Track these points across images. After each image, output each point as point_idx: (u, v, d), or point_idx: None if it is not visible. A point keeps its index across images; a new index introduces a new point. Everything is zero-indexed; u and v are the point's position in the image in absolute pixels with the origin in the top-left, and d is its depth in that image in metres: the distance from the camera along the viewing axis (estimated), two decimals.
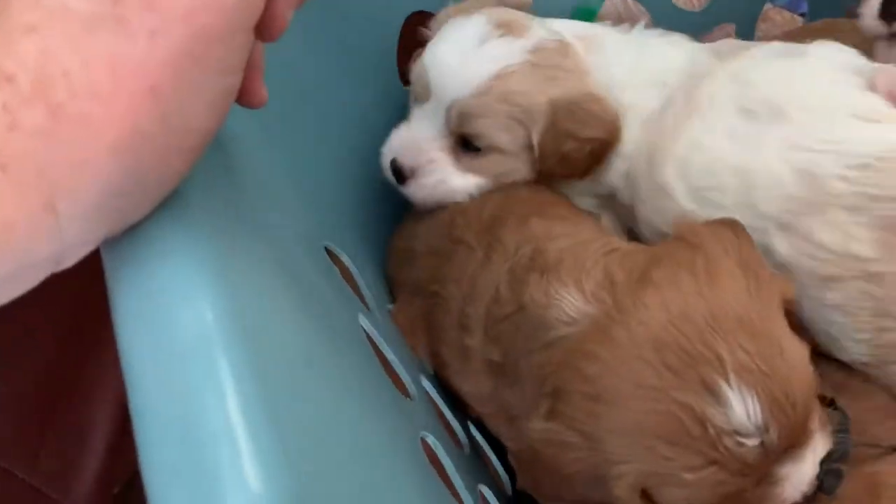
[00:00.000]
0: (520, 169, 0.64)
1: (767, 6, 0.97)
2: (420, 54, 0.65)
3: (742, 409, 0.40)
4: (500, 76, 0.61)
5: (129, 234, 0.35)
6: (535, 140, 0.61)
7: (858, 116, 0.51)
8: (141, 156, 0.32)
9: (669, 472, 0.41)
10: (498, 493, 0.64)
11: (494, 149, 0.62)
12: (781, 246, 0.52)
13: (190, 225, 0.35)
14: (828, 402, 0.50)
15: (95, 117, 0.30)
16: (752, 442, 0.40)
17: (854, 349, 0.53)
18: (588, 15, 0.74)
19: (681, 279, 0.44)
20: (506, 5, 0.68)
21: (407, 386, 0.57)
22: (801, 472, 0.44)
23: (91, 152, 0.30)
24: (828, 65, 0.56)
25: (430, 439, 0.52)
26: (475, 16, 0.64)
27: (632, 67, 0.65)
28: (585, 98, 0.62)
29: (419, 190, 0.65)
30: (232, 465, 0.29)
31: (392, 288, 0.71)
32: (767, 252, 0.52)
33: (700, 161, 0.57)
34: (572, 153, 0.62)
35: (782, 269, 0.53)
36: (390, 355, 0.56)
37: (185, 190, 0.37)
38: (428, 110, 0.63)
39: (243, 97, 0.38)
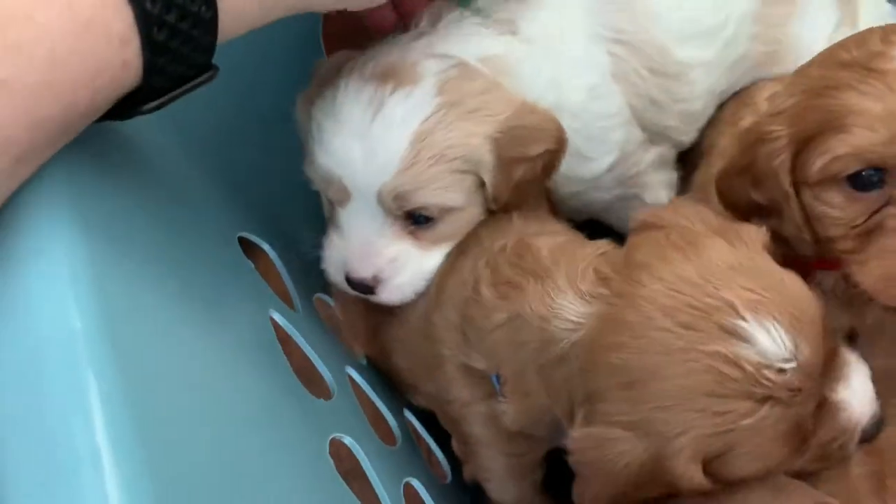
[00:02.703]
0: (478, 213, 0.57)
1: None
2: (310, 154, 0.55)
3: (767, 337, 0.41)
4: (419, 137, 0.51)
5: None
6: (488, 181, 0.54)
7: None
8: None
9: (728, 428, 0.41)
10: (432, 483, 0.63)
11: (449, 210, 0.55)
12: None
13: (65, 223, 0.33)
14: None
15: None
16: (789, 365, 0.41)
17: None
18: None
19: (664, 253, 0.45)
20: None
21: (327, 383, 0.55)
22: (858, 391, 0.45)
23: None
24: None
25: (347, 440, 0.50)
26: (351, 79, 0.54)
27: (551, 79, 0.58)
28: (521, 113, 0.54)
29: (395, 292, 0.57)
30: (94, 486, 0.27)
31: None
32: None
33: None
34: (525, 176, 0.55)
35: None
36: (309, 351, 0.54)
37: (65, 187, 0.34)
38: (355, 209, 0.54)
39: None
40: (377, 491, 0.50)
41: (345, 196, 0.54)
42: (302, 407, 0.46)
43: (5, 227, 0.33)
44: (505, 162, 0.54)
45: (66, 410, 0.28)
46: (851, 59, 0.46)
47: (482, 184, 0.55)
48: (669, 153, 0.68)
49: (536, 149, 0.55)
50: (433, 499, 0.59)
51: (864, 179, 0.46)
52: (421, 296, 0.58)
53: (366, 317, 0.65)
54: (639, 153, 0.65)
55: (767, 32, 0.66)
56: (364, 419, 0.59)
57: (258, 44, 0.62)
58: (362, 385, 0.63)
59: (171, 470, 0.28)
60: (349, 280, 0.57)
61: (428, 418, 0.67)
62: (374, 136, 0.52)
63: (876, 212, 0.46)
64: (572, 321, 0.46)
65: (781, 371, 0.41)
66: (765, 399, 0.41)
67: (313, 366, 0.55)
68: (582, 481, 0.47)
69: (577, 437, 0.45)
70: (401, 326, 0.61)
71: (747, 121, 0.59)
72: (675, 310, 0.42)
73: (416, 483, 0.60)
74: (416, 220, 0.55)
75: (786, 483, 0.47)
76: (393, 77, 0.53)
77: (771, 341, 0.41)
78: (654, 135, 0.66)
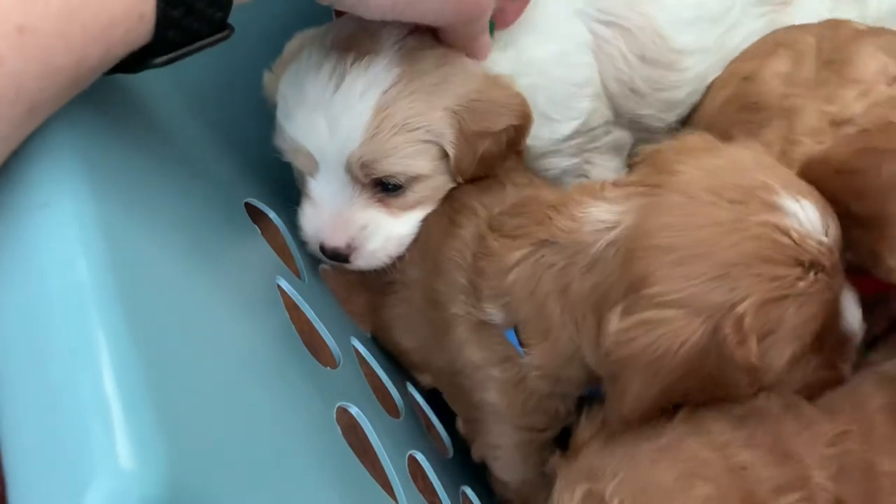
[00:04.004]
0: (447, 181, 0.57)
1: None
2: (278, 126, 0.56)
3: (805, 214, 0.44)
4: (380, 108, 0.52)
5: (5, 182, 0.32)
6: (451, 153, 0.54)
7: None
8: None
9: (783, 293, 0.43)
10: (435, 457, 0.63)
11: (416, 178, 0.55)
12: None
13: (71, 175, 0.32)
14: None
15: None
16: (825, 238, 0.45)
17: None
18: None
19: (691, 152, 0.47)
20: None
21: (333, 352, 0.54)
22: (852, 304, 0.50)
23: None
24: None
25: (353, 410, 0.50)
26: (314, 51, 0.54)
27: (515, 60, 0.59)
28: (483, 87, 0.54)
29: (370, 258, 0.57)
30: (102, 441, 0.26)
31: None
32: None
33: None
34: (490, 150, 0.55)
35: None
36: (315, 320, 0.53)
37: (71, 140, 0.33)
38: (325, 179, 0.55)
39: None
40: (383, 462, 0.50)
41: (314, 166, 0.55)
42: (309, 372, 0.46)
43: (11, 180, 0.32)
44: (467, 135, 0.54)
45: (75, 363, 0.27)
46: None
47: (447, 156, 0.55)
48: (628, 141, 0.68)
49: (499, 123, 0.55)
50: (436, 472, 0.59)
51: None
52: (416, 268, 0.58)
53: (364, 295, 0.65)
54: (601, 130, 0.65)
55: (771, 16, 0.65)
56: (369, 390, 0.58)
57: (274, 10, 0.61)
58: (367, 357, 0.62)
59: (181, 421, 0.27)
60: (323, 249, 0.57)
61: (429, 395, 0.67)
62: (337, 107, 0.52)
63: None
64: (606, 221, 0.46)
65: (821, 243, 0.44)
66: (812, 265, 0.44)
67: (319, 335, 0.54)
68: (620, 386, 0.45)
69: (622, 328, 0.43)
70: (401, 303, 0.61)
71: (850, 96, 0.53)
72: (720, 188, 0.44)
73: (419, 456, 0.59)
74: (385, 188, 0.55)
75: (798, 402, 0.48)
76: (353, 48, 0.53)
77: (808, 217, 0.44)
78: (625, 120, 0.66)
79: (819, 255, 0.44)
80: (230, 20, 0.38)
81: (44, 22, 0.30)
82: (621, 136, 0.67)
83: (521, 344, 0.51)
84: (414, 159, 0.54)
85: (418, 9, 0.46)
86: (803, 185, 0.46)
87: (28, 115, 0.31)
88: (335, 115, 0.52)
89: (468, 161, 0.55)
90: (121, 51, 0.33)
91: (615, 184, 0.47)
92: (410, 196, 0.56)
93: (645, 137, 0.68)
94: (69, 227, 0.30)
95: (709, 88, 0.65)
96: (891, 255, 0.46)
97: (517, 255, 0.49)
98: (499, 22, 0.58)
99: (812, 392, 0.49)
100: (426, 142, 0.54)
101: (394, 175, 0.54)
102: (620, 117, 0.66)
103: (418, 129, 0.53)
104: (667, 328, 0.42)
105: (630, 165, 0.48)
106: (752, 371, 0.43)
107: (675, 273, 0.43)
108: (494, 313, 0.52)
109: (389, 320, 0.62)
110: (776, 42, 0.61)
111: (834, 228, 0.46)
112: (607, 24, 0.61)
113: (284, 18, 0.61)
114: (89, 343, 0.28)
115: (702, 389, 0.45)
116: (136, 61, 0.35)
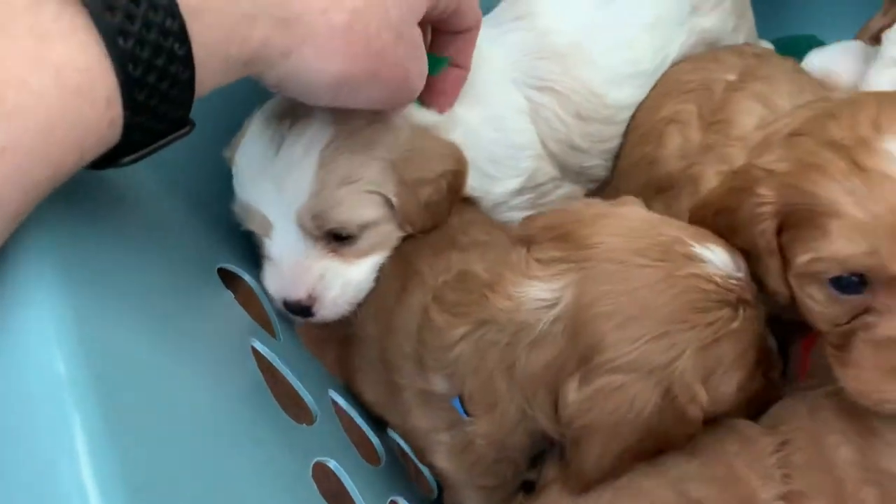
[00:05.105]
0: (395, 228, 0.60)
1: None
2: (234, 195, 0.59)
3: (718, 258, 0.48)
4: (321, 165, 0.55)
5: None
6: (394, 201, 0.58)
7: None
8: None
9: (719, 336, 0.46)
10: (418, 500, 0.65)
11: (365, 226, 0.58)
12: None
13: (48, 274, 0.35)
14: None
15: None
16: (741, 275, 0.49)
17: None
18: None
19: (594, 220, 0.50)
20: None
21: (310, 407, 0.56)
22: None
23: None
24: None
25: (332, 464, 0.52)
26: (256, 122, 0.58)
27: (451, 122, 0.62)
28: (414, 138, 0.58)
29: (331, 307, 0.59)
30: None
31: None
32: None
33: None
34: (433, 198, 0.59)
35: None
36: (291, 377, 0.55)
37: (47, 234, 0.36)
38: (279, 237, 0.58)
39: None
40: None
41: (268, 227, 0.58)
42: (284, 433, 0.48)
43: None
44: (407, 183, 0.58)
45: (54, 451, 0.30)
46: (840, 139, 0.45)
47: (395, 200, 0.58)
48: (579, 193, 0.71)
49: (435, 170, 0.59)
50: None
51: (845, 282, 0.45)
52: (373, 325, 0.60)
53: (334, 348, 0.67)
54: (549, 186, 0.69)
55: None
56: (348, 442, 0.60)
57: (239, 87, 0.64)
58: (345, 407, 0.64)
59: (155, 501, 0.30)
60: (287, 305, 0.60)
61: None
62: (280, 170, 0.56)
63: (856, 316, 0.45)
64: (546, 299, 0.48)
65: (739, 279, 0.48)
66: (738, 302, 0.47)
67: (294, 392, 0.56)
68: (582, 451, 0.47)
69: (581, 398, 0.46)
70: (360, 357, 0.63)
71: (737, 153, 0.57)
72: (644, 249, 0.47)
73: (402, 501, 0.61)
74: (338, 238, 0.58)
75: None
76: (290, 114, 0.57)
77: (722, 259, 0.48)
78: (572, 173, 0.69)
79: (741, 292, 0.48)
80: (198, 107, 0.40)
81: (24, 140, 0.32)
82: (571, 189, 0.70)
83: (466, 413, 0.53)
84: (360, 208, 0.57)
85: (358, 99, 0.49)
86: (703, 231, 0.50)
87: (9, 223, 0.33)
88: (280, 176, 0.56)
89: (413, 209, 0.59)
90: (93, 155, 0.36)
91: (538, 261, 0.49)
92: (363, 243, 0.59)
93: (596, 187, 0.72)
94: (46, 326, 0.32)
95: (621, 174, 0.69)
96: (770, 280, 0.50)
97: (459, 331, 0.51)
98: (440, 105, 0.61)
99: (754, 408, 0.52)
100: (369, 192, 0.57)
101: (343, 224, 0.57)
102: (567, 172, 0.69)
103: (359, 180, 0.56)
104: (623, 394, 0.45)
105: (527, 243, 0.51)
106: (705, 420, 0.46)
107: (621, 337, 0.45)
108: (439, 383, 0.54)
109: (353, 372, 0.65)
110: (664, 120, 0.65)
111: (742, 262, 0.49)
112: (541, 89, 0.65)
113: (249, 94, 0.64)
114: (67, 432, 0.30)
115: (659, 446, 0.48)
116: (104, 160, 0.37)
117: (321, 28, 0.43)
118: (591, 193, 0.72)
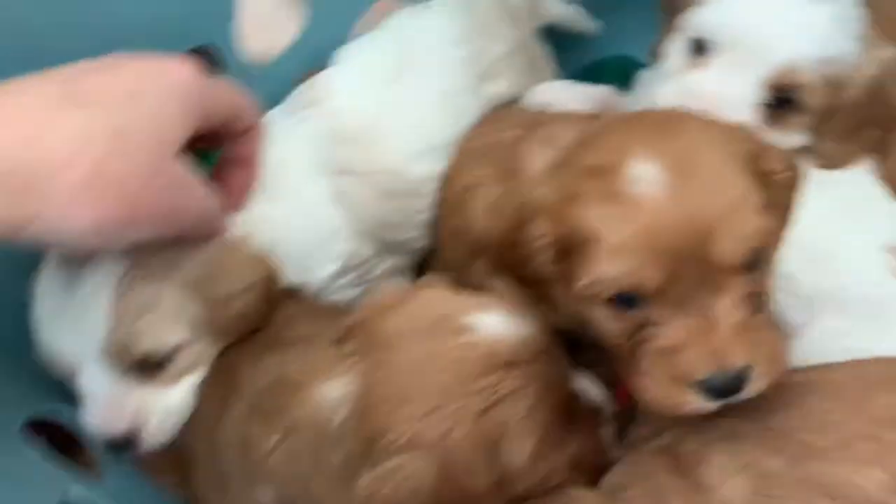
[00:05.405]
0: (209, 343, 0.59)
1: None
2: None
3: (489, 323, 0.49)
4: (116, 300, 0.54)
5: None
6: (203, 318, 0.57)
7: None
8: None
9: (492, 402, 0.47)
10: None
11: (175, 349, 0.57)
12: None
13: None
14: None
15: None
16: (514, 336, 0.50)
17: None
18: None
19: (393, 311, 0.51)
20: None
21: None
22: (590, 384, 0.56)
23: None
24: None
25: None
26: (49, 267, 0.57)
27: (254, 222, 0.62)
28: (216, 254, 0.57)
29: (155, 435, 0.57)
30: None
31: None
32: None
33: None
34: (246, 309, 0.58)
35: None
36: None
37: None
38: (90, 376, 0.56)
39: None
40: None
41: (75, 368, 0.56)
42: None
43: None
44: (213, 301, 0.57)
45: None
46: (594, 166, 0.47)
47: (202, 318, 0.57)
48: (405, 262, 0.72)
49: (243, 282, 0.58)
50: None
51: (624, 298, 0.46)
52: (199, 442, 0.59)
53: (175, 470, 0.65)
54: (371, 263, 0.69)
55: None
56: None
57: None
58: None
59: None
60: (110, 442, 0.57)
61: None
62: (78, 310, 0.55)
63: (639, 330, 0.47)
64: (337, 396, 0.49)
65: (511, 341, 0.49)
66: (509, 364, 0.48)
67: None
68: None
69: (368, 483, 0.46)
70: (196, 477, 0.61)
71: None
72: (416, 331, 0.49)
73: None
74: (151, 365, 0.56)
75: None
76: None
77: (493, 324, 0.49)
78: (393, 247, 0.70)
79: (514, 353, 0.48)
80: None
81: None
82: (396, 261, 0.71)
83: None
84: (164, 335, 0.56)
85: (131, 240, 0.49)
86: (488, 299, 0.51)
87: None
88: (77, 316, 0.54)
89: (225, 323, 0.58)
90: None
91: (340, 357, 0.50)
92: (176, 366, 0.57)
93: (419, 257, 0.72)
94: None
95: (442, 243, 0.70)
96: (560, 306, 0.51)
97: (273, 440, 0.51)
98: (228, 208, 0.60)
99: (587, 472, 0.51)
100: (172, 316, 0.56)
101: (149, 354, 0.55)
102: (386, 246, 0.70)
103: (159, 307, 0.55)
104: (403, 473, 0.45)
105: (339, 341, 0.52)
106: (498, 488, 0.46)
107: (398, 417, 0.46)
108: (265, 493, 0.53)
109: (195, 491, 0.62)
110: (465, 188, 0.66)
111: (523, 322, 0.50)
112: (342, 173, 0.65)
113: None
114: None
115: None
116: None
117: (61, 187, 0.43)
118: (417, 263, 0.73)
